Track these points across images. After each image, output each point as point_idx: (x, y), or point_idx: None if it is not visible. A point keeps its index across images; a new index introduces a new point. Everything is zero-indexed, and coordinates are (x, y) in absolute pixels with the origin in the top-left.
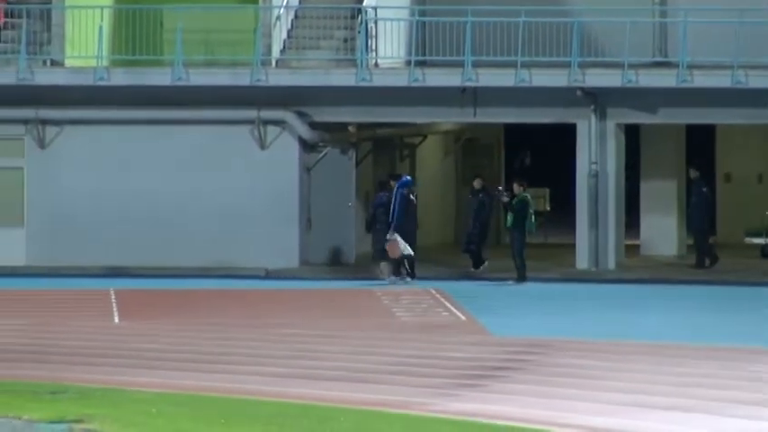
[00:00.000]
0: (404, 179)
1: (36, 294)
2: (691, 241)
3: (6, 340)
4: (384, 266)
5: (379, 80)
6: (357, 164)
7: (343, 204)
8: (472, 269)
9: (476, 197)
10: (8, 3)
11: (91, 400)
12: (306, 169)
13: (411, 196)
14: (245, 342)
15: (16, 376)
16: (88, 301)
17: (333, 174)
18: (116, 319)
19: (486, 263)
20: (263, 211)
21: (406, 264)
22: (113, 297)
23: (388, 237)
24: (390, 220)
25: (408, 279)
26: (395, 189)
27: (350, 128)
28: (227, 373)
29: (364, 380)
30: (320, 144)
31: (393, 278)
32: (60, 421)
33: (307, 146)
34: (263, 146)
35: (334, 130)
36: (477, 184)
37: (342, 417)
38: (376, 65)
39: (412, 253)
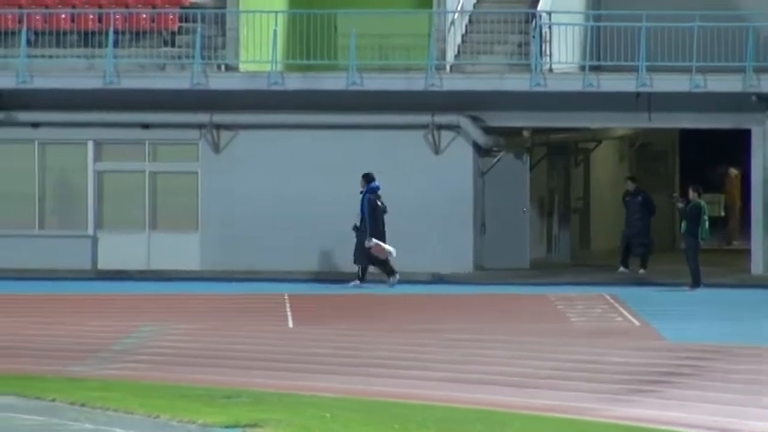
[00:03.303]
0: (372, 185)
1: (210, 299)
2: None
3: (182, 345)
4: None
5: (553, 85)
6: (531, 169)
7: (518, 209)
8: (641, 270)
9: (635, 199)
10: (182, 8)
11: (265, 405)
12: (480, 174)
13: (378, 202)
14: (417, 347)
15: (191, 380)
16: (262, 306)
17: (507, 179)
18: (290, 324)
19: (625, 270)
20: (437, 215)
21: (361, 269)
22: (287, 301)
23: (366, 244)
24: (361, 226)
25: (358, 282)
26: (362, 195)
27: (524, 132)
28: (400, 378)
29: (537, 385)
30: (494, 149)
31: (393, 279)
32: (235, 426)
33: (481, 150)
34: (437, 151)
35: (509, 135)
36: (630, 185)
37: (514, 422)
38: (550, 70)
39: (394, 252)
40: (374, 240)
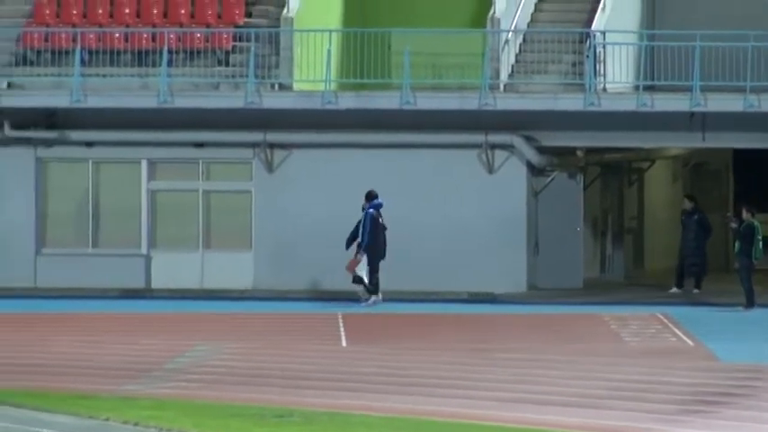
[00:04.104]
0: (375, 201)
1: (263, 318)
2: None
3: (234, 363)
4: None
5: (607, 105)
6: (585, 188)
7: (571, 229)
8: (696, 290)
9: (690, 218)
10: (236, 27)
11: (317, 425)
12: (533, 193)
13: (379, 219)
14: (470, 366)
15: (244, 399)
16: (315, 325)
17: (560, 198)
18: (343, 343)
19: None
20: (491, 235)
21: (355, 282)
22: (341, 321)
23: (357, 257)
24: (360, 240)
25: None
26: (365, 210)
27: (578, 152)
28: (452, 398)
29: (590, 405)
30: (548, 168)
31: (368, 297)
32: None
33: (534, 170)
34: (490, 170)
35: (563, 155)
36: (687, 204)
37: None
38: (604, 89)
39: (365, 279)
40: (363, 258)
